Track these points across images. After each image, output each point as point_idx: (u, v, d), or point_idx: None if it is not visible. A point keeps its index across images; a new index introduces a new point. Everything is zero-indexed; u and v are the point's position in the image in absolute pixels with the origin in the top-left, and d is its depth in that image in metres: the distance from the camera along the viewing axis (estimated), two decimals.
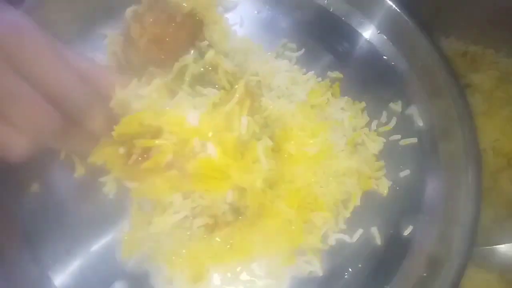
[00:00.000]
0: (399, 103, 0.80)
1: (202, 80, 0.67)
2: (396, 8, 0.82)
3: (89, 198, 0.70)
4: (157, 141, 0.59)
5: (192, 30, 0.73)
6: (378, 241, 0.71)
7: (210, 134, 0.59)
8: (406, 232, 0.72)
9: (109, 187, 0.70)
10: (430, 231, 0.72)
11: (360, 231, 0.71)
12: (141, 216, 0.68)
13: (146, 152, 0.60)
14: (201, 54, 0.67)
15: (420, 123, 0.79)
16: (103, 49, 0.77)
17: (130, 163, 0.61)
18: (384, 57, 0.84)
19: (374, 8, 0.85)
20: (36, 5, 0.75)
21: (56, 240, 0.68)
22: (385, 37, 0.85)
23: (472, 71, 0.95)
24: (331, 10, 0.87)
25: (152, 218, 0.65)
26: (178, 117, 0.60)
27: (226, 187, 0.60)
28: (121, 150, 0.61)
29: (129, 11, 0.76)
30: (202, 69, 0.66)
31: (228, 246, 0.65)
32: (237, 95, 0.61)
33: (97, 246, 0.69)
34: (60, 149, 0.69)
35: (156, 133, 0.60)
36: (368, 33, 0.86)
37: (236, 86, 0.63)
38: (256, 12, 0.86)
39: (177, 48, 0.73)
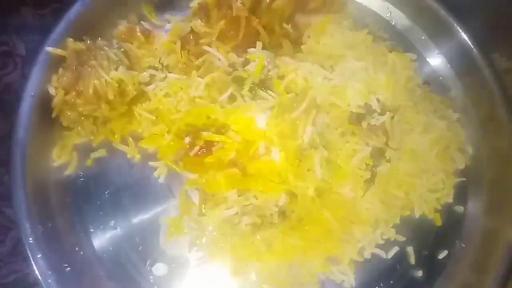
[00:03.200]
0: None
1: (262, 84, 0.69)
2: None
3: (140, 179, 0.73)
4: (224, 137, 0.61)
5: (255, 31, 0.74)
6: (412, 260, 0.72)
7: (274, 139, 0.60)
8: (441, 256, 0.73)
9: (159, 171, 0.73)
10: (465, 259, 0.73)
11: (396, 249, 0.72)
12: (188, 204, 0.71)
13: (208, 145, 0.62)
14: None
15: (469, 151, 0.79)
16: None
17: (192, 154, 0.62)
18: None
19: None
20: None
21: (103, 210, 0.72)
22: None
23: None
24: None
25: (200, 207, 0.68)
26: (247, 118, 0.61)
27: (280, 191, 0.62)
28: (187, 139, 0.64)
29: (194, 4, 0.77)
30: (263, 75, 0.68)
31: (269, 247, 0.67)
32: (305, 104, 0.62)
33: (141, 224, 0.71)
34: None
35: (220, 128, 0.62)
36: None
37: (296, 94, 0.64)
38: None
39: (241, 46, 0.75)
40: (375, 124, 0.67)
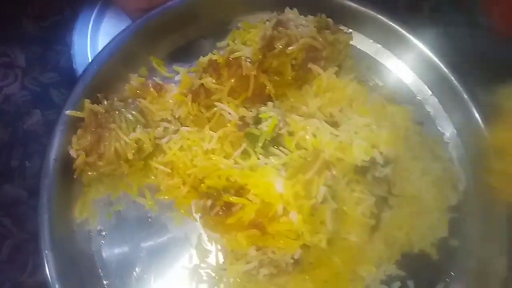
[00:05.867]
0: None
1: (273, 141, 0.74)
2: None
3: (159, 229, 0.78)
4: (244, 200, 0.66)
5: (263, 85, 0.79)
6: None
7: (291, 200, 0.65)
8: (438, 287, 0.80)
9: (176, 221, 0.78)
10: None
11: (398, 284, 0.79)
12: (204, 252, 0.76)
13: (228, 205, 0.67)
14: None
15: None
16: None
17: (212, 214, 0.67)
18: None
19: None
20: None
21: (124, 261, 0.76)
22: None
23: None
24: None
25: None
26: (266, 182, 0.66)
27: (297, 246, 0.67)
28: (208, 202, 0.68)
29: (203, 60, 0.81)
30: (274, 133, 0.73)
31: None
32: (317, 165, 0.68)
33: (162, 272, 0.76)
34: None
35: (239, 189, 0.67)
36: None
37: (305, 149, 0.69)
38: None
39: (250, 100, 0.79)
40: (379, 176, 0.72)
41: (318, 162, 0.68)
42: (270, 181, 0.65)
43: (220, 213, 0.67)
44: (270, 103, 0.76)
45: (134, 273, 0.75)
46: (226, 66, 0.76)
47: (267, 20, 0.83)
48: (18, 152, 0.97)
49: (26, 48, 1.05)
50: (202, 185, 0.70)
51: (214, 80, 0.77)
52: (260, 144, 0.72)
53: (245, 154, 0.75)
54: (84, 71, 0.77)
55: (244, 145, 0.74)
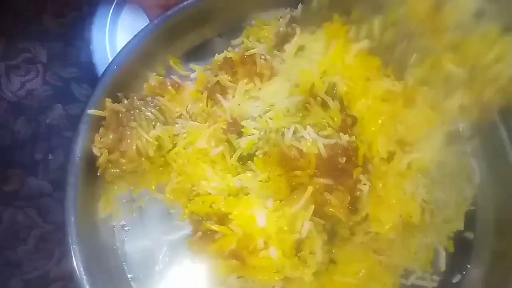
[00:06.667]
0: None
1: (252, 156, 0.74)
2: None
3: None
4: (225, 229, 0.66)
5: None
6: (430, 286, 0.80)
7: (273, 235, 0.65)
8: (455, 280, 0.81)
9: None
10: (478, 281, 0.81)
11: (414, 276, 0.80)
12: None
13: (212, 231, 0.67)
14: None
15: None
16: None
17: (194, 239, 0.69)
18: None
19: None
20: None
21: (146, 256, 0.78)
22: None
23: None
24: None
25: None
26: (248, 216, 0.66)
27: (278, 279, 0.67)
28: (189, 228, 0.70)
29: (218, 58, 0.83)
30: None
31: None
32: (304, 200, 0.66)
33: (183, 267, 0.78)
34: None
35: (222, 217, 0.68)
36: None
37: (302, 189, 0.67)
38: None
39: None
40: None
41: (305, 196, 0.66)
42: (253, 214, 0.65)
43: (203, 237, 0.68)
44: None
45: (157, 266, 0.77)
46: (241, 64, 0.78)
47: (281, 17, 0.84)
48: (42, 145, 1.01)
49: (47, 44, 1.08)
50: (185, 210, 0.71)
51: (229, 77, 0.79)
52: (236, 156, 0.73)
53: (222, 158, 0.75)
54: (104, 71, 0.79)
55: (221, 148, 0.74)
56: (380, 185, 0.73)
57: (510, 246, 0.81)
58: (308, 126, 0.68)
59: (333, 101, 0.70)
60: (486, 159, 0.87)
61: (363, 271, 0.73)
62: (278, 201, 0.68)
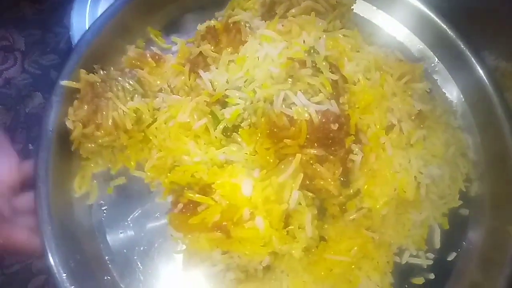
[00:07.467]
0: None
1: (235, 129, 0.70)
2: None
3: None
4: (208, 199, 0.61)
5: None
6: (424, 263, 0.76)
7: (259, 205, 0.60)
8: (450, 258, 0.78)
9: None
10: (473, 259, 0.77)
11: (408, 254, 0.76)
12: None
13: (194, 203, 0.62)
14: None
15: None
16: None
17: (176, 212, 0.63)
18: None
19: None
20: None
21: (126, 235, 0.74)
22: None
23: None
24: None
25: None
26: (233, 184, 0.61)
27: (265, 253, 0.62)
28: (170, 198, 0.65)
29: (201, 27, 0.78)
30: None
31: None
32: (292, 168, 0.62)
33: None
34: None
35: (205, 187, 0.63)
36: None
37: (290, 158, 0.64)
38: None
39: None
40: None
41: (294, 164, 0.62)
42: (238, 182, 0.61)
43: (184, 210, 0.63)
44: None
45: (137, 247, 0.73)
46: (224, 32, 0.74)
47: None
48: (21, 135, 0.98)
49: (24, 31, 1.05)
50: (165, 180, 0.66)
51: (212, 48, 0.74)
52: (220, 128, 0.69)
53: (205, 131, 0.71)
54: (79, 40, 0.74)
55: (204, 120, 0.70)
56: (373, 157, 0.70)
57: (506, 222, 0.78)
58: (298, 92, 0.64)
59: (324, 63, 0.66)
60: (480, 134, 0.85)
61: (355, 248, 0.70)
62: (265, 171, 0.64)
